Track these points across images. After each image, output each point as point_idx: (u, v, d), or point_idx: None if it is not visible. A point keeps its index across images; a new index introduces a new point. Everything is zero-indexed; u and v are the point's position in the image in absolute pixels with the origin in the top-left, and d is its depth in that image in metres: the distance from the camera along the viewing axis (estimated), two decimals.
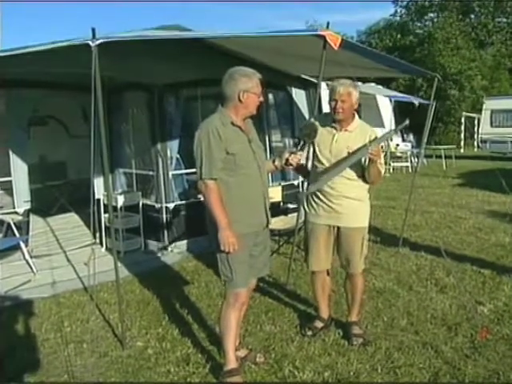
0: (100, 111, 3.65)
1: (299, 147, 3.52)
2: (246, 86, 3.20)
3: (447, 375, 3.38)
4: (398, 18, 31.53)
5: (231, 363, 3.36)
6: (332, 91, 3.67)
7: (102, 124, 3.71)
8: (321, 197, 3.81)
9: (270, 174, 7.53)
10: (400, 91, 22.01)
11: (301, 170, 3.90)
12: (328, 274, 4.07)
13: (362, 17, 59.72)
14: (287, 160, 3.46)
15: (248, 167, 3.27)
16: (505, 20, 28.93)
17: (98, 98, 3.59)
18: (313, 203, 3.88)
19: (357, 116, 3.83)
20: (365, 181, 3.77)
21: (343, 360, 3.61)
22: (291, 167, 3.55)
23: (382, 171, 3.82)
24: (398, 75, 15.87)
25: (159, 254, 6.50)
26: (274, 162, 3.58)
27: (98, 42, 3.45)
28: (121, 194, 6.76)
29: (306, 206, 3.98)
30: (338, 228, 3.84)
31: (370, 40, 30.76)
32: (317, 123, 3.76)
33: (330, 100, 3.69)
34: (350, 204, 3.76)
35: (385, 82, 19.75)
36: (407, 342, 3.86)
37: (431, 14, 30.13)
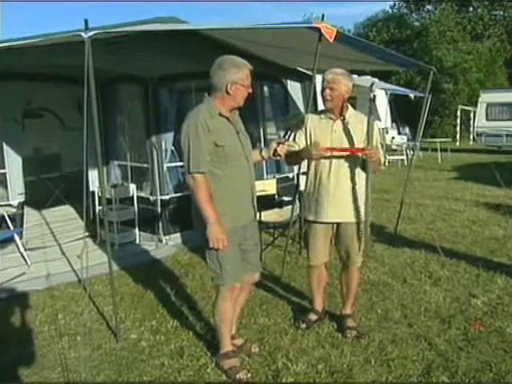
0: (93, 103, 3.63)
1: (287, 137, 3.51)
2: (235, 78, 3.12)
3: (440, 367, 3.39)
4: (396, 10, 31.48)
5: (227, 346, 3.38)
6: (322, 80, 3.70)
7: (95, 116, 3.69)
8: (323, 194, 3.77)
9: (264, 167, 7.62)
10: (399, 85, 21.95)
11: (290, 158, 3.84)
12: (326, 267, 4.07)
13: (360, 9, 59.42)
14: (275, 150, 3.43)
15: (237, 159, 3.23)
16: (501, 13, 28.87)
17: (92, 90, 3.57)
18: (314, 202, 3.84)
19: (350, 106, 3.82)
20: (364, 170, 3.77)
21: (337, 352, 3.62)
22: (279, 157, 3.54)
23: (382, 159, 3.83)
24: (394, 68, 15.84)
25: (154, 247, 6.50)
26: (260, 152, 3.54)
27: (90, 33, 3.42)
28: (115, 186, 6.74)
29: (305, 206, 3.96)
30: (339, 223, 3.84)
31: (367, 33, 30.68)
32: (307, 115, 3.77)
33: (322, 89, 3.71)
34: (354, 198, 3.75)
35: (383, 76, 19.69)
36: (401, 334, 3.87)
37: (429, 6, 30.05)
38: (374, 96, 3.87)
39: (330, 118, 3.75)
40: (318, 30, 4.52)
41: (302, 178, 4.23)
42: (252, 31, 4.98)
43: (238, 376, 3.28)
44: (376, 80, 17.57)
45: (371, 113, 3.67)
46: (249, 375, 3.31)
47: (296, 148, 3.74)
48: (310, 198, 3.87)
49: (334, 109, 3.71)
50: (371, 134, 3.59)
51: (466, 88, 24.98)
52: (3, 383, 3.37)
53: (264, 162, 7.30)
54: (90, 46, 3.44)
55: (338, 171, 3.72)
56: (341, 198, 3.75)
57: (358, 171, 3.75)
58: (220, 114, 3.17)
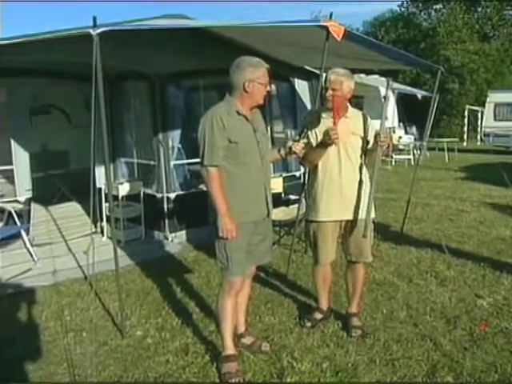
0: (101, 100, 3.63)
1: (302, 135, 3.55)
2: (252, 76, 3.21)
3: (445, 368, 3.38)
4: (404, 9, 31.38)
5: (229, 349, 3.40)
6: (325, 79, 3.70)
7: (103, 113, 3.70)
8: (335, 192, 3.75)
9: (271, 165, 7.61)
10: (406, 84, 21.87)
11: (306, 158, 3.84)
12: (331, 265, 4.06)
13: (369, 7, 59.05)
14: (290, 148, 3.51)
15: (250, 156, 3.29)
16: (510, 13, 28.69)
17: (99, 87, 3.57)
18: (323, 201, 3.80)
19: (349, 105, 3.81)
20: (368, 164, 3.78)
21: (342, 351, 3.62)
22: (295, 155, 3.61)
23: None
24: (401, 67, 15.76)
25: (160, 244, 6.51)
26: (279, 151, 3.64)
27: (98, 30, 3.43)
28: (122, 183, 6.76)
29: (311, 207, 3.93)
30: (348, 220, 3.82)
31: (375, 32, 30.60)
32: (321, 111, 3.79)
33: (323, 88, 3.71)
34: (363, 195, 3.76)
35: (391, 75, 19.63)
36: (406, 334, 3.86)
37: (437, 6, 29.91)
38: (390, 92, 3.91)
39: (332, 117, 3.74)
40: (326, 28, 4.52)
41: None
42: (260, 29, 4.97)
43: (231, 381, 3.27)
44: (383, 79, 17.56)
45: (386, 99, 3.82)
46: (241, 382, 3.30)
47: (313, 143, 3.74)
48: (319, 197, 3.83)
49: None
50: (384, 119, 3.64)
51: (473, 88, 24.87)
52: (9, 383, 3.37)
53: None
54: (98, 42, 3.45)
55: (346, 167, 3.73)
56: (352, 195, 3.76)
57: (364, 167, 3.77)
58: (238, 113, 3.25)
